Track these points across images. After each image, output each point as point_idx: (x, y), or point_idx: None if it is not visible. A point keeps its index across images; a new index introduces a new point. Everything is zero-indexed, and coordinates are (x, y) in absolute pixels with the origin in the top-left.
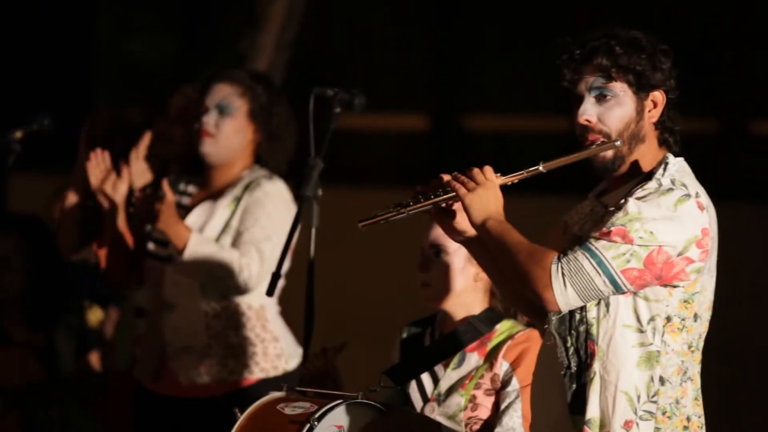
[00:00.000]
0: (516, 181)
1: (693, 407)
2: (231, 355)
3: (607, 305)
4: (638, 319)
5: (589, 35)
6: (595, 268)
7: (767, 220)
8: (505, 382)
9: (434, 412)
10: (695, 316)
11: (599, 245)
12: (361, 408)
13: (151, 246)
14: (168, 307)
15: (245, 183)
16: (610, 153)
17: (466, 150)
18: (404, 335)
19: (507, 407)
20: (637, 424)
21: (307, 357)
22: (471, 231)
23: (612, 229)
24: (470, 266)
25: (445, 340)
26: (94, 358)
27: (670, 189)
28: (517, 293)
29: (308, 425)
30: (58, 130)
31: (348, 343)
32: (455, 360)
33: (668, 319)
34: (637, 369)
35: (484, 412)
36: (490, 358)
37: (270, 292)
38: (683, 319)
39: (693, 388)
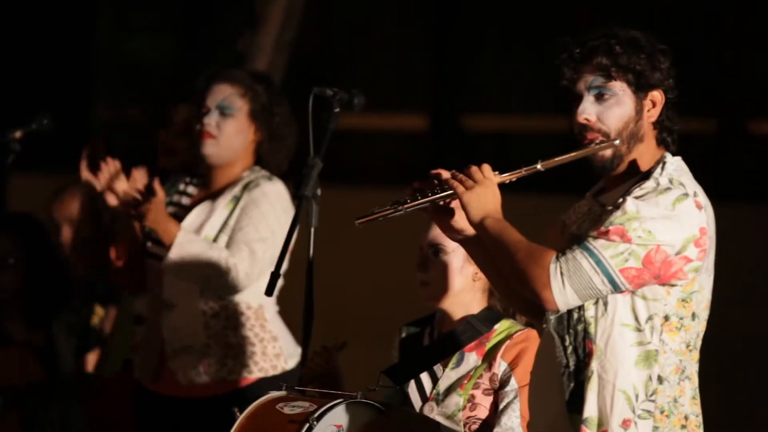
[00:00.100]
0: (514, 179)
1: (691, 406)
2: (230, 354)
3: (605, 304)
4: (636, 318)
5: (588, 35)
6: (593, 267)
7: (767, 220)
8: (504, 382)
9: (433, 412)
10: (693, 315)
11: (597, 244)
12: (360, 407)
13: (150, 245)
14: (167, 307)
15: (245, 183)
16: (608, 152)
17: (465, 149)
18: (403, 335)
19: (505, 407)
20: (635, 422)
21: (307, 356)
22: (469, 229)
23: (610, 228)
24: (469, 265)
25: (444, 339)
26: (95, 358)
27: (668, 188)
28: (515, 293)
29: (307, 425)
30: (58, 130)
31: (348, 342)
32: (454, 360)
33: (666, 318)
34: (635, 368)
35: (482, 411)
36: (489, 357)
37: (269, 292)
38: (681, 318)
39: (691, 387)
